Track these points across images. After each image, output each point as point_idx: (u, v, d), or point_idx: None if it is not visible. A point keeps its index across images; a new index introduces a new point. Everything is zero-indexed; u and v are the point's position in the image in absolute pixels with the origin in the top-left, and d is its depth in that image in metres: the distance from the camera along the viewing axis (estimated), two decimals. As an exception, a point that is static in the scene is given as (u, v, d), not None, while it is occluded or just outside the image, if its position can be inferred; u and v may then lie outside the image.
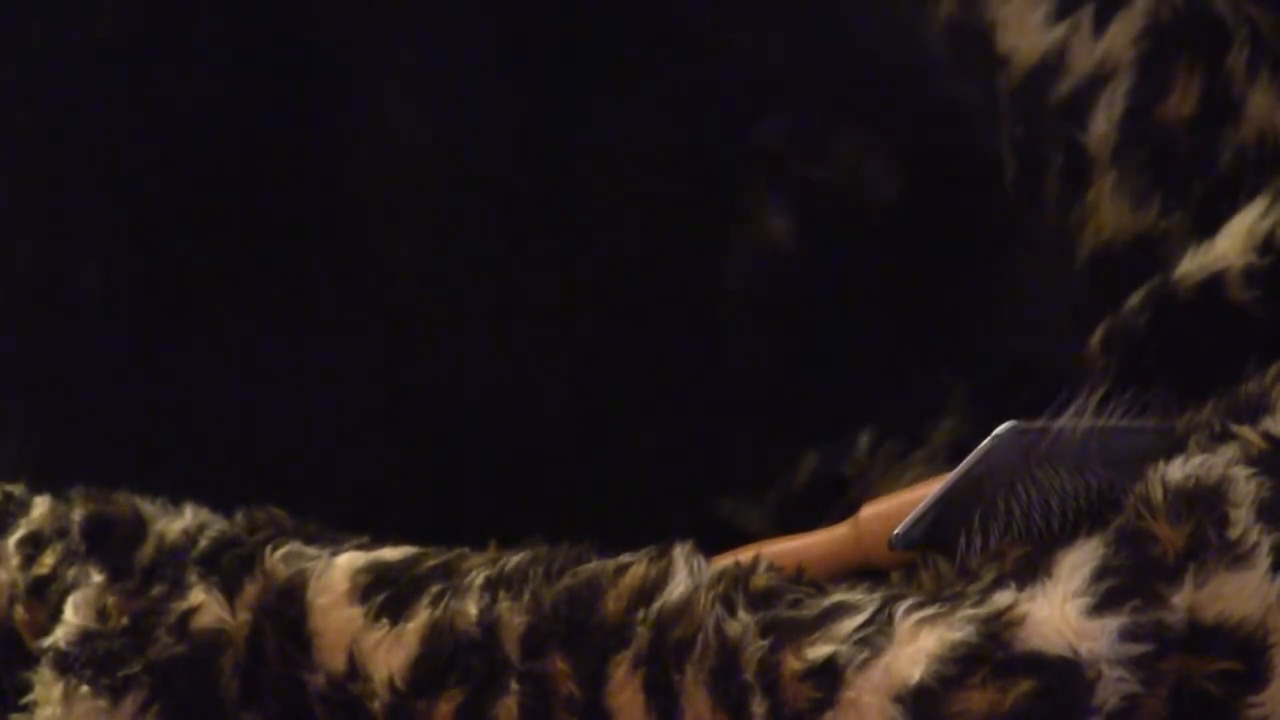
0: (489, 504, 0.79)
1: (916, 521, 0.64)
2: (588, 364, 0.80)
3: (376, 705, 0.62)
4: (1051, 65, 0.91)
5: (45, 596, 0.68)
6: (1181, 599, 0.57)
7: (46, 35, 0.80)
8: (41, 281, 0.82)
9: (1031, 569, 0.59)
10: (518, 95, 0.76)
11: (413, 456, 0.80)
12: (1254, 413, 0.66)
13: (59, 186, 0.81)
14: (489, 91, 0.77)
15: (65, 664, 0.65)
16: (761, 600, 0.60)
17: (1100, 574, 0.57)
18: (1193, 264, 0.78)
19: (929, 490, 0.65)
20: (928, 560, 0.64)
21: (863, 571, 0.66)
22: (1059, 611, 0.56)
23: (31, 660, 0.67)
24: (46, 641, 0.66)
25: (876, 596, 0.59)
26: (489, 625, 0.61)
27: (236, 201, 0.78)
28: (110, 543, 0.68)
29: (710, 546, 0.64)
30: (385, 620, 0.63)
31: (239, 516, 0.69)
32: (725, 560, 0.62)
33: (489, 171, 0.77)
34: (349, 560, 0.65)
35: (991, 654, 0.55)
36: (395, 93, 0.77)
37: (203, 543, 0.67)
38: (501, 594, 0.62)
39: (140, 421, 0.80)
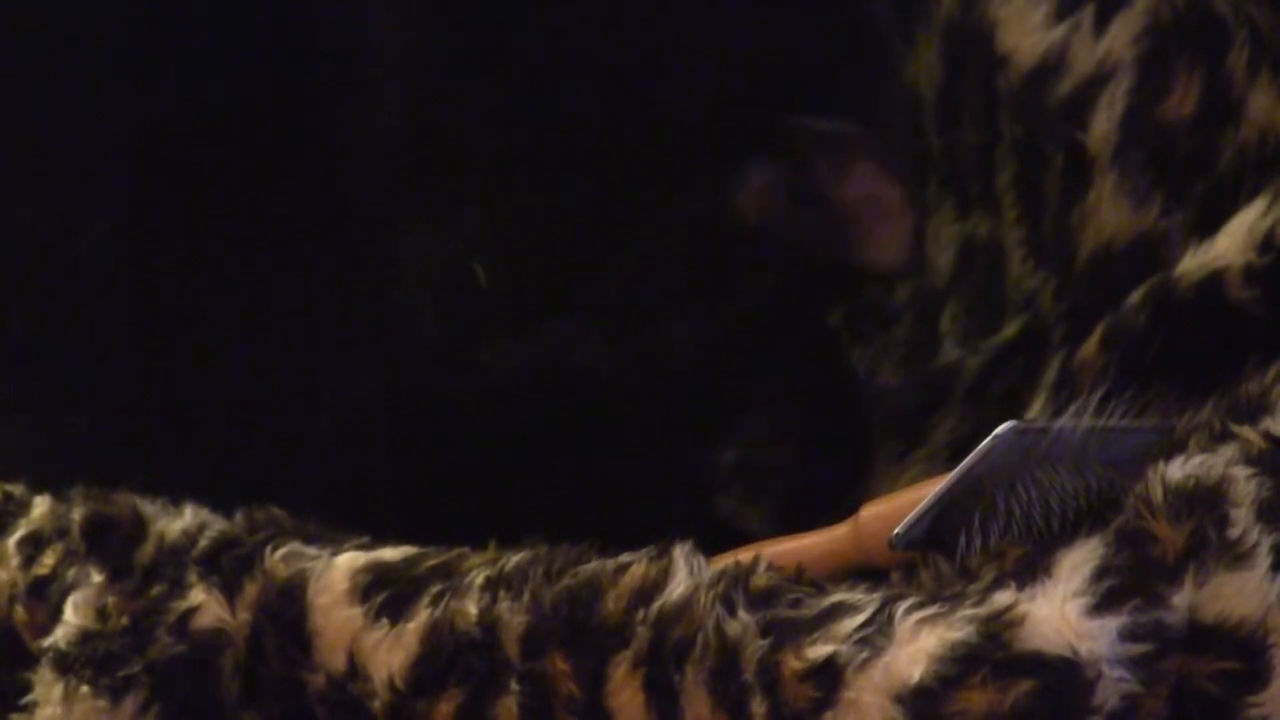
0: (489, 504, 0.79)
1: (916, 521, 0.64)
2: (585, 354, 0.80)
3: (376, 705, 0.62)
4: (1051, 65, 0.91)
5: (45, 596, 0.68)
6: (1181, 599, 0.57)
7: (48, 15, 0.80)
8: (41, 280, 0.82)
9: (1031, 569, 0.59)
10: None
11: (412, 456, 0.80)
12: (1254, 413, 0.65)
13: (60, 171, 0.81)
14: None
15: (65, 664, 0.65)
16: (761, 600, 0.59)
17: (1100, 574, 0.57)
18: (1192, 263, 0.78)
19: (929, 490, 0.65)
20: (928, 560, 0.64)
21: (863, 571, 0.66)
22: (1059, 611, 0.56)
23: (31, 660, 0.67)
24: (46, 641, 0.66)
25: (876, 596, 0.59)
26: (489, 625, 0.61)
27: (237, 192, 0.78)
28: (110, 543, 0.68)
29: (710, 546, 0.64)
30: (385, 620, 0.63)
31: (239, 516, 0.69)
32: (725, 560, 0.62)
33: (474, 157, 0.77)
34: (349, 560, 0.65)
35: (991, 654, 0.55)
36: (382, 79, 0.77)
37: (203, 543, 0.67)
38: (501, 594, 0.62)
39: (140, 420, 0.80)
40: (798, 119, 0.77)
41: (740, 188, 0.78)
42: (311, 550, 0.66)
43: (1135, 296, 0.81)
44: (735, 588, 0.60)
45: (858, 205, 0.78)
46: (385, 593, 0.63)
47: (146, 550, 0.68)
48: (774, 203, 0.78)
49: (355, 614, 0.63)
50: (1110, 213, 0.89)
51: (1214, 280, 0.76)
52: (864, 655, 0.57)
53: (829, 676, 0.57)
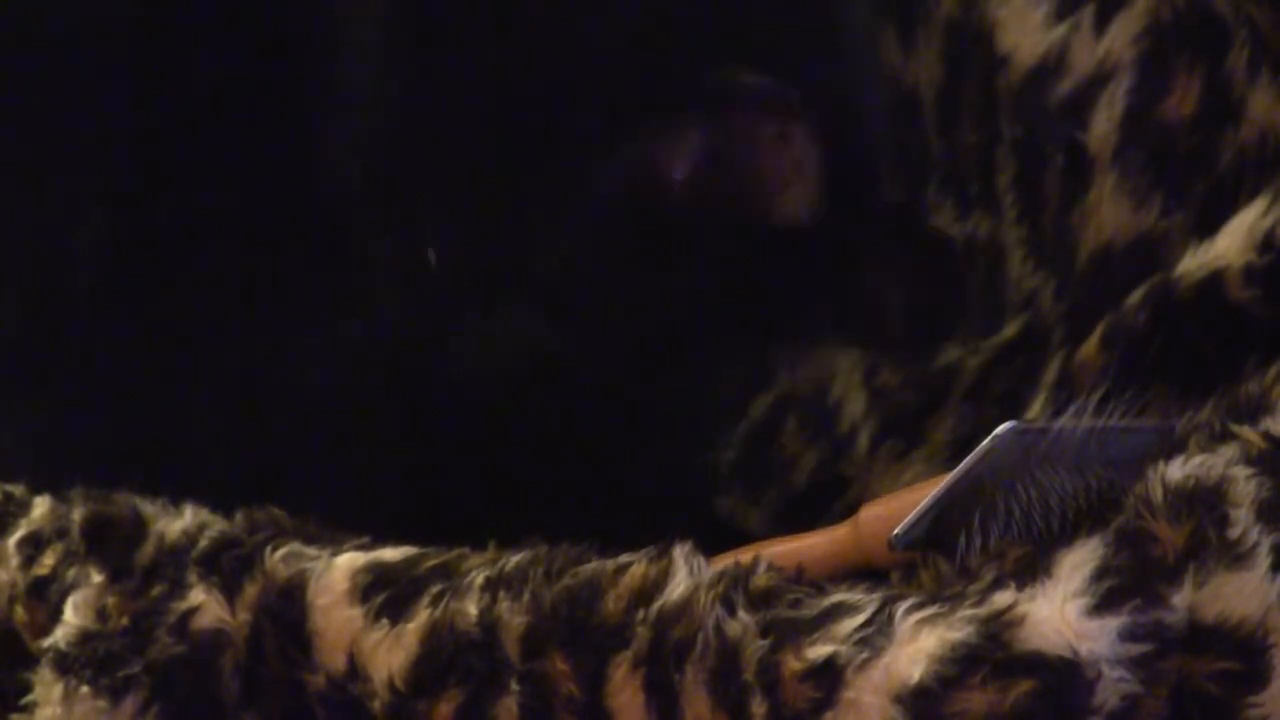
0: (489, 504, 0.79)
1: (916, 521, 0.64)
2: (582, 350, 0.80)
3: (376, 705, 0.62)
4: (1051, 65, 0.91)
5: (45, 596, 0.68)
6: (1181, 599, 0.57)
7: (39, 20, 0.80)
8: (38, 279, 0.82)
9: (1031, 569, 0.59)
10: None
11: (412, 456, 0.81)
12: (1254, 413, 0.66)
13: (57, 171, 0.81)
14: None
15: (65, 664, 0.65)
16: (761, 600, 0.59)
17: (1100, 574, 0.57)
18: (1192, 263, 0.78)
19: (929, 490, 0.65)
20: (928, 560, 0.64)
21: (863, 571, 0.66)
22: (1059, 611, 0.56)
23: (31, 660, 0.67)
24: (46, 641, 0.66)
25: (876, 596, 0.59)
26: (489, 625, 0.61)
27: (229, 192, 0.78)
28: (110, 543, 0.68)
29: (710, 546, 0.64)
30: (385, 620, 0.63)
31: (239, 516, 0.69)
32: (725, 560, 0.62)
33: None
34: (349, 560, 0.65)
35: (991, 654, 0.55)
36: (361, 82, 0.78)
37: (203, 543, 0.67)
38: (501, 594, 0.62)
39: (140, 420, 0.80)
40: (721, 76, 0.76)
41: (669, 151, 0.77)
42: (311, 550, 0.66)
43: (1135, 296, 0.81)
44: (735, 588, 0.60)
45: (769, 163, 0.76)
46: (385, 593, 0.63)
47: (146, 550, 0.68)
48: (699, 166, 0.77)
49: (355, 614, 0.63)
50: (1110, 213, 0.89)
51: (1214, 280, 0.76)
52: (864, 656, 0.57)
53: (829, 677, 0.57)
